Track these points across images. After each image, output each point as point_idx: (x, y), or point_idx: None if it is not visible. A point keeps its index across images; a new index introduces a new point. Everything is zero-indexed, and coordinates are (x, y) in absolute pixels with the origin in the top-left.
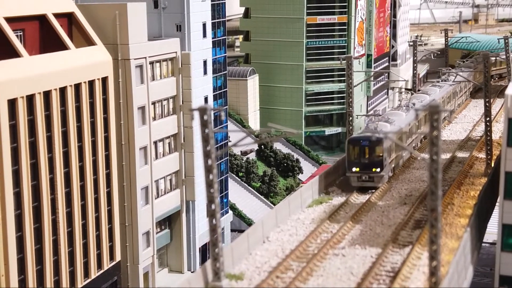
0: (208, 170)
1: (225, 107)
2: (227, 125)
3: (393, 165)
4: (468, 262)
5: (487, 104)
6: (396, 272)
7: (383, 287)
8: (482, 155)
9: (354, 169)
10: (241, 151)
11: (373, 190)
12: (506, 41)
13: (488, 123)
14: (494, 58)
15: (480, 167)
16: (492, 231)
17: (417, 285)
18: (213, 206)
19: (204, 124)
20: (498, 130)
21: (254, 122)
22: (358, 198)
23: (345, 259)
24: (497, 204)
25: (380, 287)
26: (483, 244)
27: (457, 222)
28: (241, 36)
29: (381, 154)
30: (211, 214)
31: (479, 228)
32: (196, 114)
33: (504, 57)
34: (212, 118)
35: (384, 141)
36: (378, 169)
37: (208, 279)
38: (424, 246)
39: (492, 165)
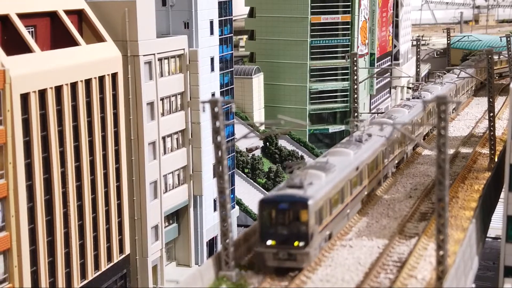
0: (218, 161)
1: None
2: (233, 121)
3: (327, 233)
4: (474, 253)
5: (490, 100)
6: (403, 262)
7: (390, 277)
8: (485, 150)
9: (268, 243)
10: (246, 148)
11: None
12: (508, 39)
13: (491, 119)
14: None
15: (484, 162)
16: (495, 226)
17: (424, 274)
18: (223, 197)
19: (215, 116)
20: (501, 127)
21: (259, 119)
22: None
23: (353, 250)
24: (500, 199)
25: (388, 276)
26: (486, 239)
27: (462, 214)
28: (245, 36)
29: (306, 221)
30: (221, 205)
31: (483, 221)
32: (207, 107)
33: (506, 56)
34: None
35: (312, 201)
36: (302, 243)
37: (218, 269)
38: (430, 237)
39: (496, 160)
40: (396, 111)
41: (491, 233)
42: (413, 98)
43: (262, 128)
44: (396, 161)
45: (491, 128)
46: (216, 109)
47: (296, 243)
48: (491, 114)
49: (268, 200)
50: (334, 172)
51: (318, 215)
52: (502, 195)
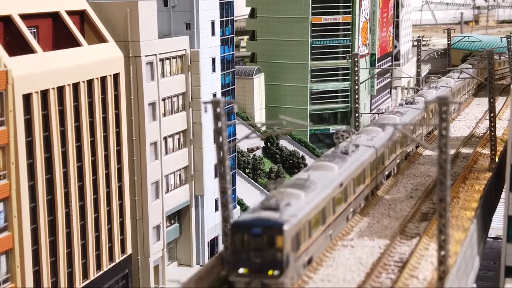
0: (220, 161)
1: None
2: (235, 121)
3: (306, 258)
4: (475, 253)
5: (491, 100)
6: (404, 262)
7: (392, 277)
8: (486, 151)
9: (240, 271)
10: (247, 148)
11: None
12: (509, 40)
13: (492, 119)
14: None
15: (484, 163)
16: (495, 226)
17: (425, 274)
18: (225, 197)
19: (217, 117)
20: (501, 127)
21: (260, 120)
22: None
23: (354, 250)
24: (501, 200)
25: (389, 276)
26: (487, 239)
27: (463, 214)
28: (246, 37)
29: (281, 247)
30: (223, 205)
31: (484, 221)
32: (209, 107)
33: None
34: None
35: (288, 226)
36: (277, 272)
37: (220, 268)
38: (431, 237)
39: (496, 160)
40: (387, 118)
41: (492, 233)
42: (406, 103)
43: (263, 128)
44: (387, 172)
45: (492, 129)
46: (218, 110)
47: (270, 272)
48: (492, 115)
49: (240, 224)
50: (315, 190)
51: (295, 240)
52: (503, 195)
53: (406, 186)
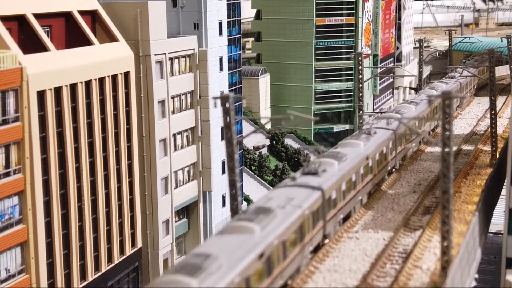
0: (229, 155)
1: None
2: (242, 117)
3: None
4: (477, 244)
5: (492, 98)
6: (408, 253)
7: (396, 267)
8: (487, 148)
9: None
10: (253, 146)
11: None
12: (509, 40)
13: (493, 116)
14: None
15: (485, 159)
16: (495, 222)
17: (428, 265)
18: (234, 190)
19: (226, 112)
20: (501, 125)
21: (265, 119)
22: None
23: (359, 242)
24: (502, 196)
25: (394, 267)
26: (488, 233)
27: (465, 208)
28: (251, 39)
29: None
30: (232, 198)
31: (486, 214)
32: (218, 103)
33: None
34: None
35: None
36: None
37: None
38: (434, 229)
39: (497, 157)
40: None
41: (492, 228)
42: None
43: (269, 127)
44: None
45: (493, 126)
46: (227, 105)
47: None
48: (493, 112)
49: None
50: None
51: None
52: (503, 192)
53: (409, 181)
